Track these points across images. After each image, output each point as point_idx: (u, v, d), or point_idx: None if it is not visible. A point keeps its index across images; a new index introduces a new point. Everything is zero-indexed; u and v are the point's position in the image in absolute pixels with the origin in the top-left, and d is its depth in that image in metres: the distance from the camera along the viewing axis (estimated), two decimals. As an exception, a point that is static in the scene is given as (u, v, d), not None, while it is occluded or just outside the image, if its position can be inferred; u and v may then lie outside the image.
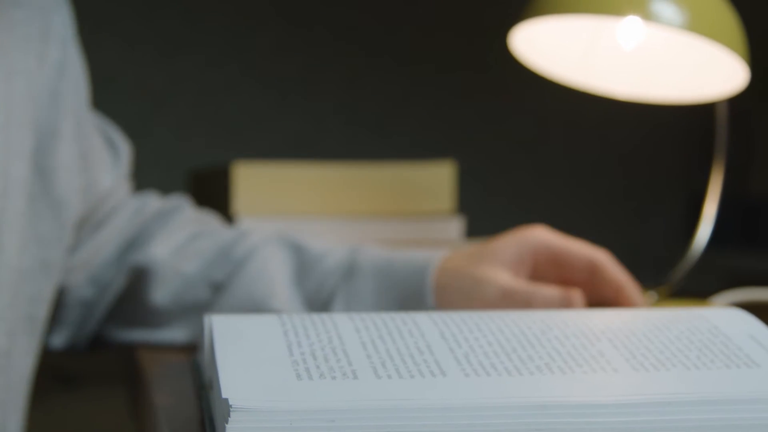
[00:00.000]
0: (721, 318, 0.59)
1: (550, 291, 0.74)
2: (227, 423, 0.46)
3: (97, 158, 0.84)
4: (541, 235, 0.78)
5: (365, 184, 1.08)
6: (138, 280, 0.82)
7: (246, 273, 0.81)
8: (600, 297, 0.79)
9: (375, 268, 0.79)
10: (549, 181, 1.69)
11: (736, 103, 0.86)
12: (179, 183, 1.45)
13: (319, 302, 0.80)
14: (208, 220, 0.87)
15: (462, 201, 1.36)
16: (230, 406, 0.47)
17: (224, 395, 0.48)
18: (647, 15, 0.78)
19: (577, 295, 0.74)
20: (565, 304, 0.74)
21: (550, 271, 0.78)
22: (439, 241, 1.05)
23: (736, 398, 0.49)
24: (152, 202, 0.88)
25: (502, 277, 0.75)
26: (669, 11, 0.77)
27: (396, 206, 1.08)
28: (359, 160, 1.11)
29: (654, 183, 1.67)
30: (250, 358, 0.52)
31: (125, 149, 0.88)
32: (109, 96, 1.60)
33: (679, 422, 0.48)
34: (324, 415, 0.47)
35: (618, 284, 0.76)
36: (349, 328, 0.56)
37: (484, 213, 1.58)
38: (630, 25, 0.84)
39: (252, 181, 1.05)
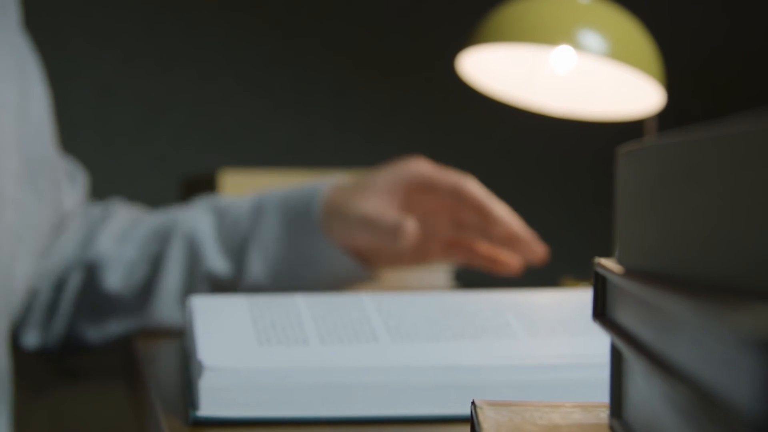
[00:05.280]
0: None
1: (392, 215, 0.83)
2: (200, 379, 0.56)
3: (62, 184, 0.94)
4: (414, 166, 0.86)
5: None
6: (91, 273, 0.92)
7: (177, 239, 0.91)
8: (466, 219, 0.86)
9: (276, 204, 0.89)
10: (526, 185, 1.76)
11: (709, 111, 0.94)
12: (172, 189, 1.51)
13: (237, 239, 0.89)
14: (140, 213, 0.98)
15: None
16: (203, 366, 0.56)
17: (199, 357, 0.57)
18: (576, 44, 0.88)
19: (410, 222, 0.82)
20: (399, 227, 0.83)
21: (420, 198, 0.86)
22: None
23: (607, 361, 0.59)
24: (94, 208, 0.98)
25: (363, 206, 0.84)
26: (594, 41, 0.88)
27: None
28: (339, 167, 1.18)
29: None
30: (222, 329, 0.61)
31: (81, 179, 0.98)
32: (107, 105, 1.64)
33: (563, 381, 0.57)
34: (277, 373, 0.56)
35: (479, 203, 0.84)
36: (303, 306, 0.66)
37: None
38: (563, 52, 0.95)
39: (237, 187, 1.12)
